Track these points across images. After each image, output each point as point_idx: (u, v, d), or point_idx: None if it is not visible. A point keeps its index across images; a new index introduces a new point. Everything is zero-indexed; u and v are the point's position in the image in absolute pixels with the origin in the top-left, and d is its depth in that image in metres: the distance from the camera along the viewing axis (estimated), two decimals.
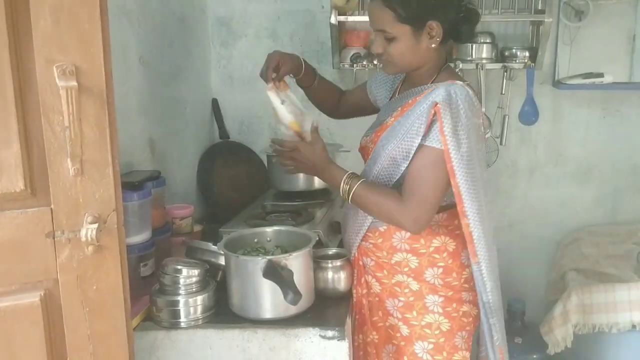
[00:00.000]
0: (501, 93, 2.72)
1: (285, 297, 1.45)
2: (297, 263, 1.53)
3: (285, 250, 1.65)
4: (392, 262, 1.69)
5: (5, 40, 1.01)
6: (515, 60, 2.66)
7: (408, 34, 1.60)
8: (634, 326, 2.33)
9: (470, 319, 1.70)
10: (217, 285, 1.59)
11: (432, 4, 1.58)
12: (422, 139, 1.56)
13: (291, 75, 1.94)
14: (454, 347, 1.67)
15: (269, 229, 1.76)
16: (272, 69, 1.87)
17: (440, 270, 1.67)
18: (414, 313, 1.68)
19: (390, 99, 1.85)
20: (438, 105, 1.53)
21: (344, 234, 1.83)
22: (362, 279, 1.75)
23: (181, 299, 1.50)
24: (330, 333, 1.49)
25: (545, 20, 2.54)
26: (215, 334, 1.51)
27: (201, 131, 2.71)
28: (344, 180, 1.63)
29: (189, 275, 1.52)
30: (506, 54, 2.68)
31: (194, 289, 1.52)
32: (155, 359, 1.51)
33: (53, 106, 1.03)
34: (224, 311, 1.56)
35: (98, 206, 1.09)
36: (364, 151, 1.80)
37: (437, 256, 1.67)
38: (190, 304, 1.51)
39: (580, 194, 2.94)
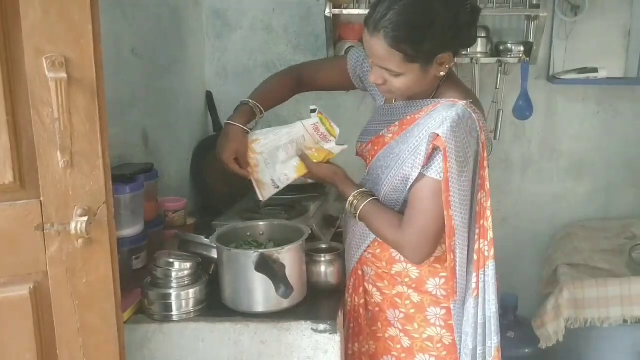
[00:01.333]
0: (496, 88, 2.72)
1: (277, 290, 1.45)
2: (289, 257, 1.52)
3: (278, 243, 1.65)
4: (392, 272, 1.63)
5: None
6: (510, 55, 2.65)
7: (416, 71, 1.48)
8: (625, 321, 2.34)
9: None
10: (209, 278, 1.59)
11: (446, 39, 1.45)
12: (422, 169, 1.48)
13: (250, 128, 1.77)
14: None
15: (261, 223, 1.76)
16: (234, 163, 1.71)
17: (442, 280, 1.60)
18: (415, 325, 1.63)
19: (384, 102, 1.73)
20: (440, 138, 1.43)
21: (345, 241, 1.77)
22: (360, 288, 1.69)
23: (173, 292, 1.50)
24: (322, 326, 1.49)
25: (541, 14, 2.54)
26: (207, 327, 1.50)
27: (195, 124, 2.70)
28: (354, 195, 1.59)
29: (181, 268, 1.52)
30: (501, 48, 2.67)
31: (186, 282, 1.52)
32: (147, 352, 1.51)
33: (42, 98, 1.03)
34: (216, 305, 1.56)
35: (88, 199, 1.09)
36: (363, 156, 1.73)
37: (438, 266, 1.60)
38: (183, 297, 1.50)
39: (573, 188, 2.94)
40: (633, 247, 2.54)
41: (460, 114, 1.47)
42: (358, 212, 1.58)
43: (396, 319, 1.65)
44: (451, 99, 1.53)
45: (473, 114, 1.50)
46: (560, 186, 2.94)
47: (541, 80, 2.82)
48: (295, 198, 2.25)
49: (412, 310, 1.63)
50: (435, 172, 1.47)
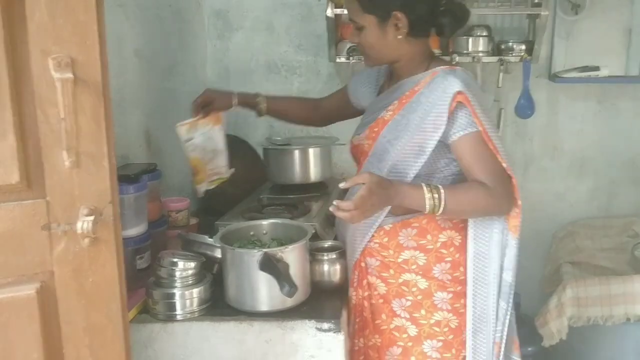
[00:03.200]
0: (497, 86, 2.72)
1: (281, 289, 1.45)
2: (293, 256, 1.53)
3: (281, 243, 1.65)
4: (399, 260, 1.65)
5: (0, 32, 1.00)
6: (512, 54, 2.66)
7: (374, 24, 1.60)
8: (628, 319, 2.34)
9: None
10: (213, 278, 1.59)
11: None
12: (455, 132, 1.53)
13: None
14: (462, 343, 1.66)
15: (265, 222, 1.76)
16: (201, 104, 1.92)
17: (448, 265, 1.64)
18: (422, 312, 1.65)
19: (377, 95, 1.81)
20: (462, 92, 1.51)
21: (344, 236, 1.77)
22: (364, 281, 1.71)
23: (177, 292, 1.50)
24: (326, 325, 1.49)
25: (542, 13, 2.54)
26: (212, 326, 1.51)
27: None
28: (428, 194, 1.49)
29: (185, 268, 1.52)
30: (502, 47, 2.68)
31: (190, 282, 1.52)
32: (151, 352, 1.51)
33: (48, 98, 1.03)
34: (220, 304, 1.56)
35: (94, 198, 1.09)
36: (357, 150, 1.75)
37: (444, 251, 1.65)
38: (187, 296, 1.51)
39: (575, 187, 2.95)
40: (635, 245, 2.54)
41: (465, 76, 1.58)
42: (444, 202, 1.49)
43: (402, 308, 1.66)
44: (447, 66, 1.62)
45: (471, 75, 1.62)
46: (562, 184, 2.95)
47: (543, 78, 2.83)
48: (298, 198, 2.26)
49: (420, 297, 1.65)
50: (468, 125, 1.53)
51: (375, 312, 1.70)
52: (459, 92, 1.51)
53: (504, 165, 1.55)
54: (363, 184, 1.44)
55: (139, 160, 1.96)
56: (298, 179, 2.37)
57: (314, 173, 2.39)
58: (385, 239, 1.67)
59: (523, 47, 2.65)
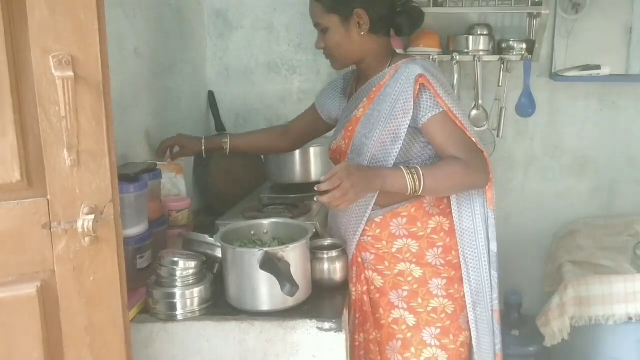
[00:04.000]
0: (498, 85, 2.72)
1: (282, 288, 1.45)
2: (294, 255, 1.52)
3: (282, 242, 1.65)
4: (393, 250, 1.71)
5: (1, 30, 1.00)
6: (513, 53, 2.66)
7: (337, 24, 1.68)
8: (630, 318, 2.34)
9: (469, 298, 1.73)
10: (214, 277, 1.59)
11: None
12: (423, 115, 1.61)
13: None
14: (459, 328, 1.72)
15: (265, 221, 1.75)
16: (170, 146, 2.04)
17: (440, 250, 1.71)
18: (419, 300, 1.70)
19: (348, 101, 1.87)
20: (423, 75, 1.59)
21: (337, 232, 1.81)
22: (362, 276, 1.75)
23: (178, 291, 1.50)
24: (327, 325, 1.49)
25: (543, 12, 2.54)
26: (212, 326, 1.50)
27: (197, 123, 2.70)
28: (408, 174, 1.54)
29: (185, 267, 1.51)
30: (503, 46, 2.67)
31: (190, 281, 1.52)
32: (151, 351, 1.50)
33: (49, 96, 1.03)
34: (220, 303, 1.56)
35: (95, 197, 1.09)
36: (336, 153, 1.81)
37: (435, 237, 1.71)
38: (187, 296, 1.50)
39: (576, 186, 2.94)
40: (637, 244, 2.53)
41: (425, 63, 1.67)
42: (423, 182, 1.54)
43: (400, 299, 1.72)
44: (408, 59, 1.72)
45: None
46: (563, 184, 2.94)
47: (543, 77, 2.83)
48: (298, 197, 2.26)
49: (415, 286, 1.71)
50: (432, 107, 1.60)
51: (374, 306, 1.74)
52: (419, 75, 1.60)
53: (474, 140, 1.62)
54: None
55: (139, 160, 1.96)
56: (298, 178, 2.37)
57: (314, 172, 2.40)
58: (378, 231, 1.72)
59: (524, 46, 2.65)
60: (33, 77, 1.02)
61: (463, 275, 1.72)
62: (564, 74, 2.72)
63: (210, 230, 1.99)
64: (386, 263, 1.72)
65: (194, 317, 1.51)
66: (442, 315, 1.71)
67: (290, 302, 1.51)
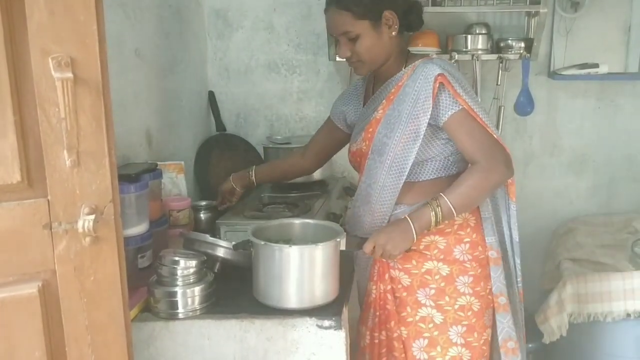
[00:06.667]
0: (497, 84, 2.73)
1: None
2: (324, 254, 1.52)
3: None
4: (421, 247, 1.73)
5: (0, 32, 1.00)
6: (511, 51, 2.66)
7: (369, 29, 1.69)
8: (628, 315, 2.34)
9: (492, 295, 1.76)
10: (214, 276, 1.60)
11: None
12: (444, 113, 1.63)
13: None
14: (483, 325, 1.75)
15: (297, 221, 1.74)
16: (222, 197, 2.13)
17: (467, 245, 1.74)
18: (447, 298, 1.72)
19: (364, 105, 1.88)
20: (442, 74, 1.61)
21: (359, 230, 1.81)
22: (386, 275, 1.77)
23: (179, 290, 1.51)
24: (327, 323, 1.49)
25: (541, 11, 2.55)
26: (213, 324, 1.51)
27: (198, 124, 2.71)
28: (432, 210, 1.61)
29: (186, 266, 1.52)
30: (502, 45, 2.68)
31: (191, 280, 1.53)
32: (153, 350, 1.51)
33: (49, 97, 1.03)
34: (222, 302, 1.57)
35: (95, 197, 1.09)
36: (357, 155, 1.82)
37: (462, 232, 1.74)
38: (188, 294, 1.51)
39: (575, 184, 2.95)
40: (635, 241, 2.54)
41: (442, 62, 1.68)
42: (453, 208, 1.60)
43: (427, 297, 1.73)
44: (424, 58, 1.74)
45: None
46: (561, 181, 2.95)
47: (542, 76, 2.83)
48: (298, 196, 2.27)
49: (443, 284, 1.73)
50: (452, 106, 1.62)
51: (400, 304, 1.76)
52: (439, 75, 1.62)
53: (495, 136, 1.64)
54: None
55: (139, 160, 1.97)
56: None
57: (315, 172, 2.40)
58: None
59: (522, 44, 2.65)
60: (33, 79, 1.02)
61: (496, 263, 1.76)
62: (562, 73, 2.72)
63: (212, 229, 2.01)
64: (414, 262, 1.74)
65: (194, 315, 1.52)
66: (469, 313, 1.73)
67: (319, 300, 1.53)
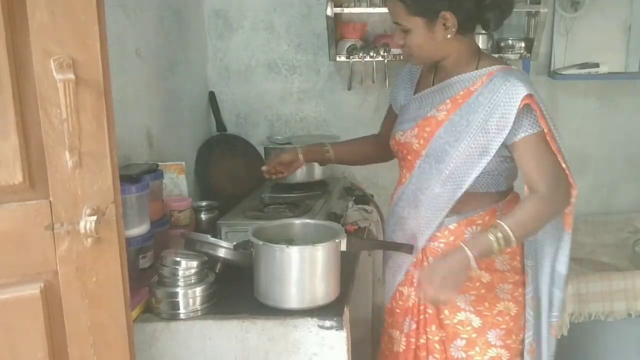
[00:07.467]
0: None
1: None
2: (324, 254, 1.53)
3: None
4: None
5: (1, 32, 1.00)
6: (511, 51, 2.66)
7: (421, 26, 1.59)
8: (629, 314, 2.35)
9: (530, 300, 1.73)
10: (215, 276, 1.60)
11: None
12: (518, 133, 1.55)
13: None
14: (520, 328, 1.72)
15: (297, 221, 1.74)
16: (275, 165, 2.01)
17: (508, 256, 1.69)
18: (486, 304, 1.69)
19: (420, 92, 1.77)
20: (530, 95, 1.53)
21: (400, 236, 1.77)
22: None
23: (180, 291, 1.51)
24: (328, 323, 1.50)
25: (541, 10, 2.55)
26: (214, 324, 1.51)
27: (198, 124, 2.72)
28: (493, 238, 1.52)
29: (187, 267, 1.53)
30: (502, 44, 2.68)
31: (192, 281, 1.53)
32: (154, 350, 1.52)
33: (50, 98, 1.03)
34: (223, 302, 1.57)
35: (97, 198, 1.09)
36: (405, 148, 1.73)
37: None
38: (189, 295, 1.52)
39: (576, 183, 2.95)
40: (636, 241, 2.55)
41: (524, 76, 1.60)
42: (512, 237, 1.52)
43: (466, 302, 1.70)
44: (502, 66, 1.62)
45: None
46: None
47: (542, 76, 2.83)
48: (299, 196, 2.27)
49: (483, 291, 1.69)
50: (532, 126, 1.55)
51: (440, 308, 1.73)
52: (527, 96, 1.52)
53: (564, 167, 1.58)
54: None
55: (140, 161, 1.97)
56: (299, 177, 2.38)
57: (316, 172, 2.40)
58: (452, 238, 1.69)
59: (522, 44, 2.66)
60: (34, 80, 1.02)
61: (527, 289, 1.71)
62: (562, 72, 2.73)
63: (213, 230, 2.01)
64: None
65: (196, 316, 1.52)
66: (507, 318, 1.70)
67: (320, 301, 1.53)
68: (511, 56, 2.65)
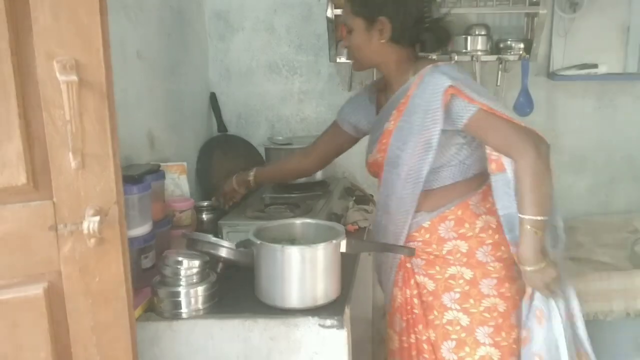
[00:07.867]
0: (496, 85, 2.74)
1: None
2: (325, 254, 1.54)
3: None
4: (444, 252, 1.74)
5: (5, 35, 1.01)
6: (510, 52, 2.67)
7: (361, 27, 1.71)
8: (628, 314, 2.36)
9: (520, 296, 1.74)
10: (217, 276, 1.61)
11: (389, 5, 1.68)
12: (461, 119, 1.60)
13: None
14: (510, 325, 1.73)
15: (298, 221, 1.75)
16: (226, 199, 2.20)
17: (490, 247, 1.72)
18: (471, 301, 1.72)
19: (377, 113, 1.88)
20: (452, 86, 1.59)
21: (383, 238, 1.83)
22: (412, 281, 1.78)
23: (182, 290, 1.52)
24: (329, 322, 1.51)
25: (540, 11, 2.55)
26: (216, 324, 1.52)
27: (199, 125, 2.73)
28: (530, 228, 1.59)
29: (189, 266, 1.54)
30: (501, 45, 2.69)
31: (194, 280, 1.54)
32: (157, 350, 1.53)
33: (54, 100, 1.04)
34: (225, 302, 1.58)
35: (99, 199, 1.10)
36: (374, 165, 1.83)
37: (483, 235, 1.73)
38: (191, 294, 1.52)
39: (575, 183, 2.96)
40: (635, 240, 2.55)
41: (448, 68, 1.66)
42: (542, 214, 1.60)
43: (453, 301, 1.73)
44: (430, 65, 1.70)
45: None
46: (561, 181, 2.95)
47: (541, 76, 2.84)
48: (300, 196, 2.28)
49: (467, 287, 1.73)
50: (468, 109, 1.59)
51: (427, 308, 1.77)
52: (449, 87, 1.60)
53: (522, 124, 1.60)
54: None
55: (142, 161, 1.98)
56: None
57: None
58: (427, 236, 1.75)
59: (521, 45, 2.66)
60: (38, 82, 1.03)
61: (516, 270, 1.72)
62: (561, 73, 2.74)
63: (214, 230, 2.02)
64: (437, 268, 1.75)
65: (198, 315, 1.53)
66: (495, 314, 1.72)
67: (320, 300, 1.54)
68: (510, 57, 2.66)
